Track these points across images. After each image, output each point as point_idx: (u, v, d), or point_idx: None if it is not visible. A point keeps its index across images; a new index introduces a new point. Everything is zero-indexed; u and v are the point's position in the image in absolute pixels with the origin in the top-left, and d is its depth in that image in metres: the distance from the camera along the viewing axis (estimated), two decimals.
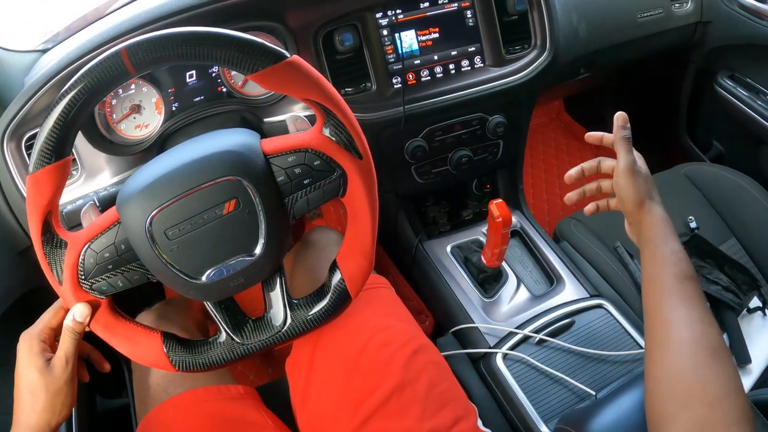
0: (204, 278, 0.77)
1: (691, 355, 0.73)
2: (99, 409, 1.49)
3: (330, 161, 0.79)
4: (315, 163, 0.78)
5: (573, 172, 1.05)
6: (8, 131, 1.05)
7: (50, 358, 0.77)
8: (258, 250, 0.78)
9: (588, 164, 1.04)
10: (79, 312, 0.76)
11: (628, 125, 0.96)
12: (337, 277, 0.86)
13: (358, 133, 0.79)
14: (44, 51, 1.33)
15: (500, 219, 1.19)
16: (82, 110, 0.69)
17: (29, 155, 1.08)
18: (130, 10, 1.25)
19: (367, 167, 0.81)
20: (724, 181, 1.57)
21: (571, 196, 1.07)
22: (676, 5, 1.73)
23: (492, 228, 1.24)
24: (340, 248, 0.87)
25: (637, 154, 0.96)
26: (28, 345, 0.77)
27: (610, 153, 1.01)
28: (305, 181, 0.78)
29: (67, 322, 0.77)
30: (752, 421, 0.68)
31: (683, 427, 0.68)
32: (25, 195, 1.08)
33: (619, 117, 0.96)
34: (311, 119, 1.13)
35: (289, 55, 0.71)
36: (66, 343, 0.77)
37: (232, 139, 0.78)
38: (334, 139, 0.78)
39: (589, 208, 1.09)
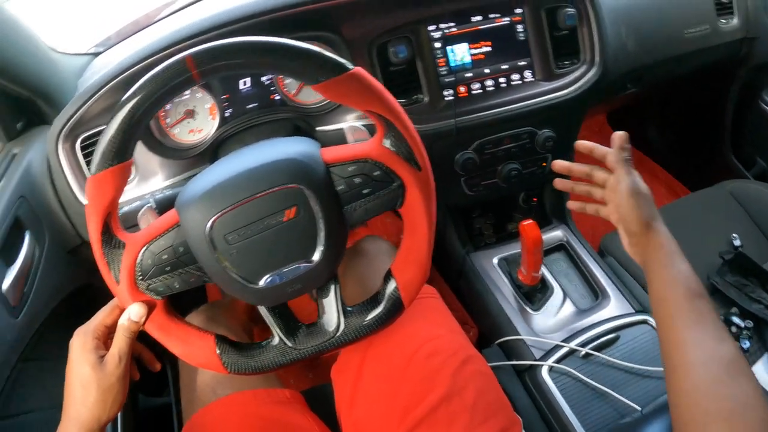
0: (261, 283, 0.78)
1: (706, 374, 0.71)
2: (141, 407, 1.51)
3: (389, 172, 0.79)
4: (375, 174, 0.78)
5: (561, 164, 1.05)
6: (63, 132, 1.07)
7: (103, 355, 0.78)
8: (316, 257, 0.78)
9: (578, 167, 1.03)
10: (135, 312, 0.77)
11: (628, 146, 0.94)
12: (391, 286, 0.86)
13: (418, 145, 0.79)
14: (96, 54, 1.36)
15: (530, 240, 1.20)
16: (145, 115, 0.70)
17: (85, 156, 1.10)
18: (184, 17, 1.27)
19: (425, 179, 0.81)
20: None
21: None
22: (722, 21, 1.72)
23: (524, 248, 1.26)
24: (395, 258, 0.86)
25: (635, 173, 0.93)
26: (82, 341, 0.78)
27: (601, 164, 0.99)
28: (365, 191, 0.78)
29: (123, 321, 0.78)
30: None
31: None
32: (77, 195, 1.10)
33: (617, 137, 0.95)
34: (369, 129, 1.14)
35: (352, 67, 0.72)
36: (120, 342, 0.78)
37: (294, 147, 0.78)
38: (394, 150, 0.78)
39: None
